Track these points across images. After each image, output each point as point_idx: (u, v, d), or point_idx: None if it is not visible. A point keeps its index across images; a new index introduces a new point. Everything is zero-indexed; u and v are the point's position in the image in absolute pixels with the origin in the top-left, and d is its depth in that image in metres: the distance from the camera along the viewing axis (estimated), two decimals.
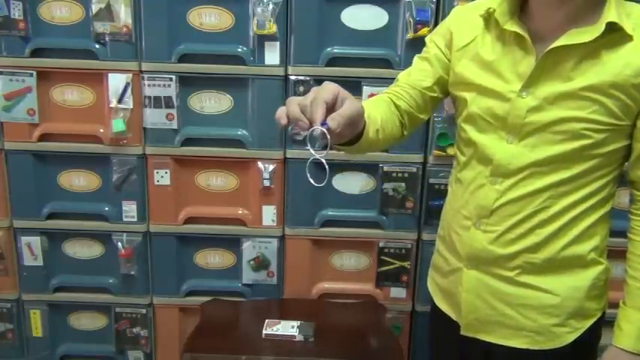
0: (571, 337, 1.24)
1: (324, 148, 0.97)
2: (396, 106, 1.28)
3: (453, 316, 1.34)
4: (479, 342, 1.29)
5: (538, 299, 1.22)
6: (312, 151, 0.97)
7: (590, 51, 1.10)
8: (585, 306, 1.23)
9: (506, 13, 1.16)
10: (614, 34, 1.09)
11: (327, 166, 0.95)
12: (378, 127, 1.17)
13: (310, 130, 0.96)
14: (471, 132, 1.23)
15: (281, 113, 1.00)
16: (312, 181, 1.00)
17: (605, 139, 1.12)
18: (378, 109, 1.21)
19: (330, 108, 0.98)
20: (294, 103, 0.99)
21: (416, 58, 1.34)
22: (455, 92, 1.27)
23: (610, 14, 1.08)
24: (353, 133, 1.07)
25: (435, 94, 1.30)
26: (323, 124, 0.95)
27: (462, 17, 1.27)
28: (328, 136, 0.95)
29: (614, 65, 1.09)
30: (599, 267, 1.24)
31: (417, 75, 1.30)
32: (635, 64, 1.08)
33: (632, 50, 1.09)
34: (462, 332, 1.31)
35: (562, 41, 1.10)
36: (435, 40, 1.30)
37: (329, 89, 0.99)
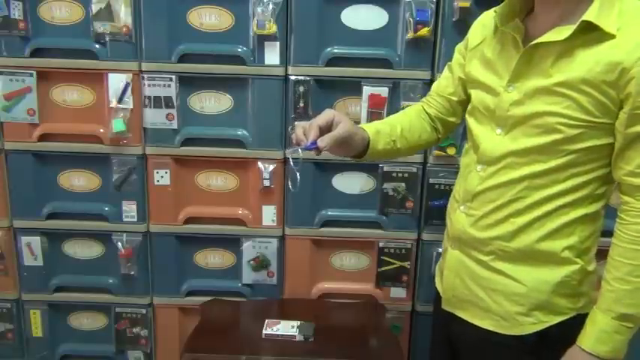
0: (534, 328, 1.26)
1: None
2: (427, 114, 1.47)
3: (441, 292, 1.42)
4: (457, 318, 1.36)
5: (507, 286, 1.26)
6: (292, 164, 1.30)
7: (567, 48, 1.13)
8: (553, 301, 1.25)
9: (506, 15, 1.24)
10: (593, 33, 1.11)
11: (298, 175, 1.30)
12: (396, 137, 1.39)
13: (298, 148, 1.25)
14: (472, 123, 1.33)
15: (293, 136, 1.27)
16: (290, 186, 1.27)
17: (579, 135, 1.14)
18: (403, 120, 1.42)
19: (327, 130, 1.26)
20: (299, 128, 1.27)
21: (445, 67, 1.47)
22: (468, 90, 1.36)
23: (589, 13, 1.10)
24: (350, 149, 1.32)
25: (460, 98, 1.41)
26: (313, 143, 1.23)
27: (480, 20, 1.37)
28: (300, 154, 1.25)
29: (586, 62, 1.11)
30: (573, 266, 1.24)
31: (443, 83, 1.46)
32: (605, 61, 1.09)
33: (607, 48, 1.10)
34: (443, 306, 1.40)
35: (541, 39, 1.15)
36: (458, 47, 1.43)
37: (325, 115, 1.27)
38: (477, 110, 1.30)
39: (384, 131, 1.37)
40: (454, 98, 1.42)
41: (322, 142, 1.23)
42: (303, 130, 1.25)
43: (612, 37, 1.09)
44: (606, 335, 1.17)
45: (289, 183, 1.29)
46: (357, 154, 1.35)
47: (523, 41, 1.19)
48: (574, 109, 1.12)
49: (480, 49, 1.31)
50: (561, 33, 1.13)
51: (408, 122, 1.42)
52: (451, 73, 1.43)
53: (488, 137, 1.25)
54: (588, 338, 1.19)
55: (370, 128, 1.36)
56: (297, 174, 1.27)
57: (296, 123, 1.32)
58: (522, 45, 1.19)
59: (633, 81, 1.08)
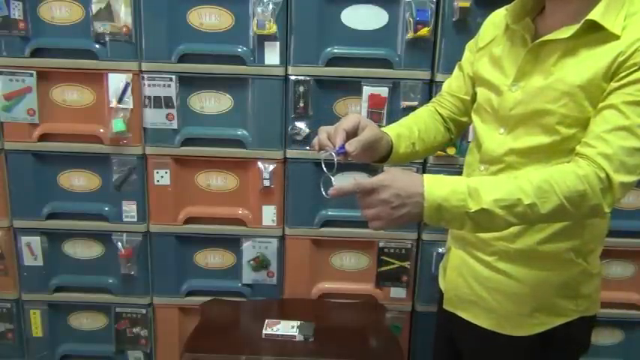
0: (537, 330, 1.25)
1: (337, 166, 1.17)
2: (440, 115, 1.44)
3: (444, 291, 1.41)
4: (459, 318, 1.36)
5: (509, 286, 1.26)
6: (325, 170, 1.18)
7: (571, 47, 1.13)
8: (556, 303, 1.24)
9: (517, 14, 1.23)
10: (598, 34, 1.10)
11: (334, 183, 1.13)
12: (415, 140, 1.35)
13: (331, 152, 1.17)
14: (476, 122, 1.32)
15: (315, 141, 1.21)
16: (324, 193, 1.13)
17: (577, 134, 1.13)
18: (418, 122, 1.39)
19: (352, 134, 1.19)
20: (323, 132, 1.21)
21: (456, 66, 1.45)
22: (476, 88, 1.35)
23: (594, 13, 1.10)
24: (375, 153, 1.26)
25: (472, 97, 1.39)
26: (341, 148, 1.16)
27: (492, 19, 1.37)
28: (335, 159, 1.16)
29: (589, 61, 1.10)
30: (577, 268, 1.23)
31: (454, 82, 1.43)
32: (607, 60, 1.08)
33: (611, 48, 1.09)
34: (444, 306, 1.39)
35: (547, 37, 1.15)
36: (469, 44, 1.42)
37: (350, 119, 1.21)
38: (482, 109, 1.29)
39: (403, 134, 1.34)
40: (466, 97, 1.40)
41: (350, 146, 1.16)
42: (327, 135, 1.20)
43: (617, 37, 1.09)
44: (447, 187, 1.06)
45: (322, 189, 1.17)
46: (379, 159, 1.31)
47: (532, 40, 1.18)
48: (570, 107, 1.12)
49: (489, 47, 1.30)
50: (566, 31, 1.12)
51: (424, 124, 1.39)
52: (461, 71, 1.41)
53: (491, 136, 1.25)
54: (435, 177, 1.09)
55: (391, 132, 1.32)
56: (332, 179, 1.15)
57: (321, 128, 1.22)
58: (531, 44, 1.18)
59: (627, 70, 1.06)
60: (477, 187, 1.06)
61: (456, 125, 1.45)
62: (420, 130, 1.37)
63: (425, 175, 1.09)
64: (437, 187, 1.06)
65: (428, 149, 1.41)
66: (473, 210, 1.05)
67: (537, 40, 1.16)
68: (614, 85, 1.07)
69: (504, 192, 1.05)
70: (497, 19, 1.33)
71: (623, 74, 1.06)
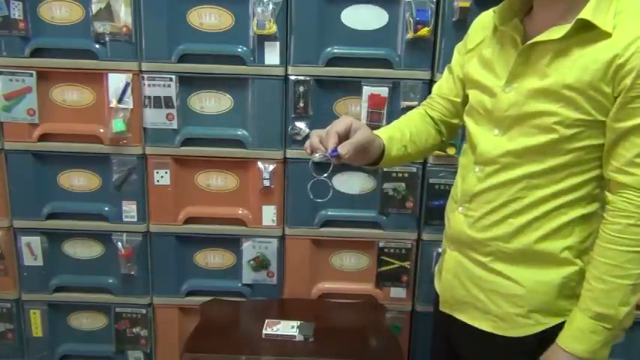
0: (534, 330, 1.26)
1: (330, 168, 1.20)
2: (431, 117, 1.45)
3: (439, 293, 1.42)
4: (456, 320, 1.36)
5: (506, 287, 1.26)
6: (314, 173, 1.21)
7: (563, 48, 1.13)
8: (554, 303, 1.24)
9: (505, 15, 1.24)
10: (590, 33, 1.10)
11: (330, 183, 1.15)
12: (406, 142, 1.36)
13: (322, 155, 1.18)
14: (469, 123, 1.32)
15: (307, 144, 1.22)
16: (312, 195, 1.17)
17: (576, 134, 1.14)
18: (410, 124, 1.40)
19: (345, 137, 1.20)
20: (315, 135, 1.22)
21: (445, 68, 1.46)
22: (467, 90, 1.35)
23: (585, 12, 1.10)
24: (368, 156, 1.27)
25: (462, 99, 1.40)
26: (334, 150, 1.17)
27: (480, 20, 1.37)
28: (332, 161, 1.18)
29: (583, 61, 1.11)
30: (573, 267, 1.23)
31: (444, 85, 1.44)
32: (601, 60, 1.09)
33: (604, 47, 1.09)
34: (440, 308, 1.40)
35: (538, 38, 1.15)
36: (458, 47, 1.42)
37: (342, 122, 1.22)
38: (475, 111, 1.29)
39: (395, 137, 1.34)
40: (457, 100, 1.41)
41: (343, 149, 1.18)
42: (320, 138, 1.21)
43: (609, 35, 1.09)
44: (582, 334, 1.17)
45: (311, 194, 1.25)
46: (372, 162, 1.32)
47: (522, 41, 1.19)
48: (571, 108, 1.12)
49: (479, 49, 1.30)
50: (557, 32, 1.13)
51: (415, 127, 1.40)
52: (451, 74, 1.42)
53: (485, 138, 1.25)
54: (565, 336, 1.19)
55: (383, 134, 1.33)
56: (330, 182, 1.19)
57: (313, 131, 1.24)
58: (521, 45, 1.19)
59: (628, 74, 1.07)
60: (596, 311, 1.15)
61: (447, 127, 1.46)
62: (411, 133, 1.38)
63: (558, 338, 1.20)
64: (575, 343, 1.17)
65: (420, 151, 1.43)
66: (614, 327, 1.16)
67: (528, 42, 1.16)
68: (627, 96, 1.08)
69: (615, 295, 1.14)
70: (486, 19, 1.33)
71: (629, 83, 1.07)
